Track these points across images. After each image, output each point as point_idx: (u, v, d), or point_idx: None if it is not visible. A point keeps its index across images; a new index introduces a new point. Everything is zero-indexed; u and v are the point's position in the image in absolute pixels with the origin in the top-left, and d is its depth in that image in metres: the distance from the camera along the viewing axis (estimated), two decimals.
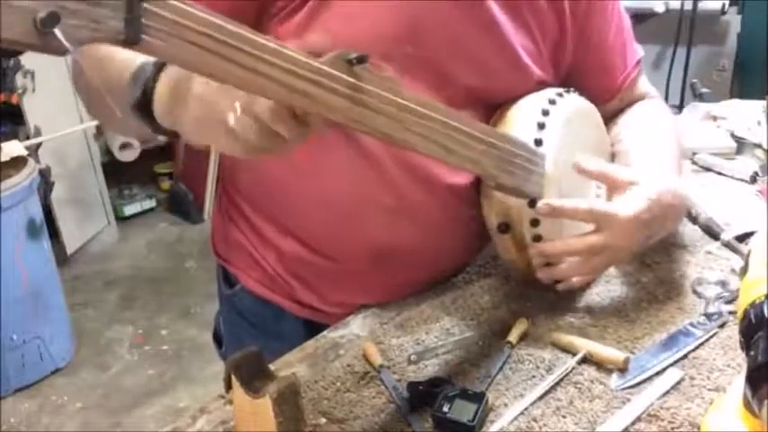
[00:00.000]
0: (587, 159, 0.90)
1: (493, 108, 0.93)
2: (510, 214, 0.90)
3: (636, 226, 0.86)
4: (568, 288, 0.91)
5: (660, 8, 2.75)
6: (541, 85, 0.95)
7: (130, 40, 0.50)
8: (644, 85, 1.09)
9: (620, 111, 1.07)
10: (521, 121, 0.90)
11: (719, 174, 1.33)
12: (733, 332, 0.83)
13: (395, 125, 0.69)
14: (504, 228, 0.91)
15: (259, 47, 0.58)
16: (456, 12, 0.86)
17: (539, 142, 0.88)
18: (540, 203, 0.86)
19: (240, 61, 0.57)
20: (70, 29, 0.46)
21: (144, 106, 0.70)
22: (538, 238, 0.89)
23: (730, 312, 0.88)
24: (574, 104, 0.94)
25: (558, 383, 0.79)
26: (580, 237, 0.88)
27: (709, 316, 0.88)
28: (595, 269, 0.92)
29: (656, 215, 0.88)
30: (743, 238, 1.04)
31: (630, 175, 0.90)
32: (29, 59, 2.89)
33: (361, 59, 0.65)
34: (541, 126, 0.89)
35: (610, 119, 1.05)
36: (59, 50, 0.46)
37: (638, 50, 1.07)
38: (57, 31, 0.45)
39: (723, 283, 0.94)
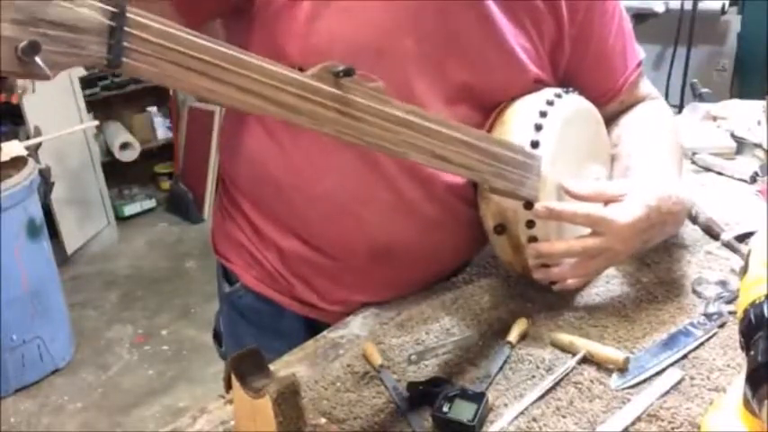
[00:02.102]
0: (576, 184, 0.90)
1: (489, 105, 0.93)
2: (506, 216, 0.90)
3: (633, 232, 0.86)
4: (564, 289, 0.92)
5: (660, 8, 2.75)
6: (539, 83, 0.95)
7: (113, 63, 0.51)
8: (645, 86, 1.09)
9: (622, 112, 1.06)
10: (518, 122, 0.90)
11: (719, 174, 1.33)
12: (733, 332, 0.83)
13: (385, 135, 0.70)
14: (501, 229, 0.91)
15: (243, 64, 0.59)
16: (455, 8, 0.86)
17: (535, 144, 0.88)
18: (537, 206, 0.86)
19: (225, 79, 0.58)
20: (52, 55, 0.48)
21: None
22: (533, 240, 0.89)
23: (730, 312, 0.88)
24: (572, 105, 0.94)
25: (558, 383, 0.79)
26: (578, 239, 0.88)
27: (709, 316, 0.88)
28: (591, 272, 0.92)
29: (654, 222, 0.87)
30: (743, 238, 1.04)
31: (621, 188, 0.89)
32: None
33: (348, 72, 0.65)
34: (538, 128, 0.89)
35: (611, 120, 1.05)
36: (41, 77, 0.47)
37: (639, 52, 1.06)
38: (38, 60, 0.46)
39: (723, 283, 0.94)
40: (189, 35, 0.56)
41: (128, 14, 0.52)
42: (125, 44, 0.52)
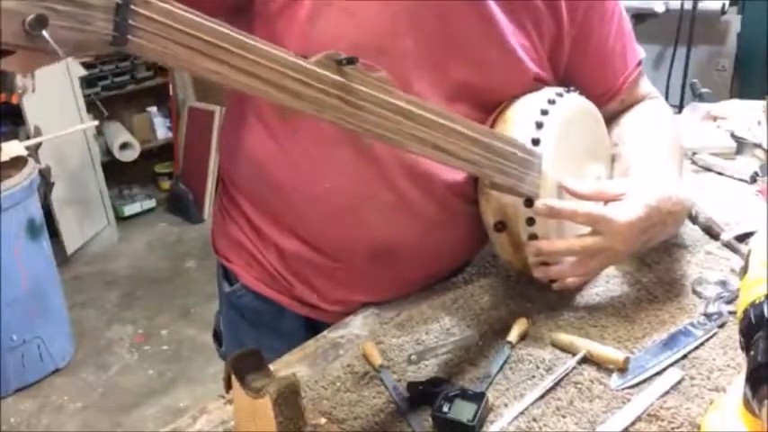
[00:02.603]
0: (576, 183, 0.90)
1: (490, 104, 0.93)
2: (506, 213, 0.90)
3: (633, 232, 0.86)
4: (563, 288, 0.92)
5: (660, 8, 2.75)
6: (539, 83, 0.95)
7: (118, 41, 0.52)
8: (645, 86, 1.09)
9: (622, 112, 1.06)
10: (519, 120, 0.90)
11: (719, 174, 1.33)
12: (733, 332, 0.83)
13: (386, 125, 0.70)
14: (501, 226, 0.91)
15: (248, 48, 0.59)
16: (454, 8, 0.86)
17: (536, 142, 0.88)
18: (538, 203, 0.86)
19: (229, 62, 0.58)
20: (59, 30, 0.48)
21: None
22: (533, 238, 0.89)
23: (730, 312, 0.88)
24: (573, 104, 0.94)
25: (558, 383, 0.79)
26: (577, 237, 0.88)
27: (709, 316, 0.88)
28: (591, 270, 0.92)
29: (654, 222, 0.87)
30: (743, 238, 1.04)
31: (621, 187, 0.89)
32: None
33: (351, 60, 0.66)
34: (539, 125, 0.89)
35: (611, 120, 1.05)
36: (48, 51, 0.48)
37: (639, 51, 1.06)
38: (45, 34, 0.47)
39: (723, 283, 0.94)
40: (194, 16, 0.56)
41: None
42: (131, 22, 0.52)
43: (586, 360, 0.82)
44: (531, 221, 0.88)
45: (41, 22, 0.46)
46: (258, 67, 0.60)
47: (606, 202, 0.88)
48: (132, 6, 0.51)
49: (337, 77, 0.65)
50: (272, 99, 0.62)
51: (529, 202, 0.87)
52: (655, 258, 1.02)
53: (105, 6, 0.50)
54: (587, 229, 0.88)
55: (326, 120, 0.66)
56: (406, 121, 0.71)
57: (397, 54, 0.85)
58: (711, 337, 0.85)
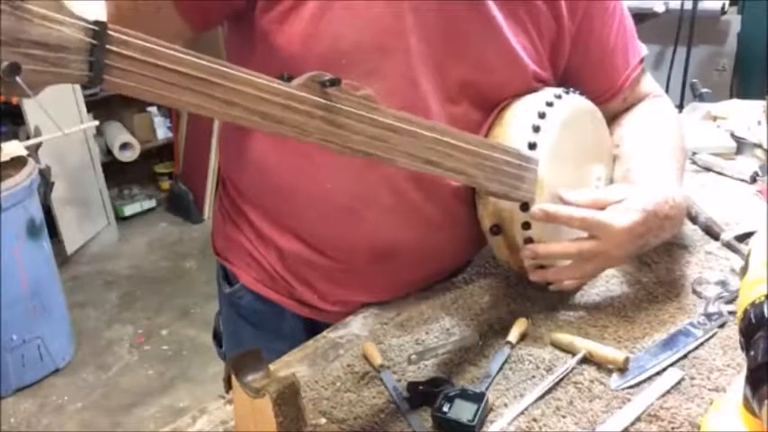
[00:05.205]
0: (573, 193, 0.89)
1: (490, 103, 0.93)
2: (502, 216, 0.90)
3: (630, 237, 0.86)
4: (559, 290, 0.92)
5: (660, 8, 2.76)
6: (539, 82, 0.95)
7: (93, 81, 0.52)
8: (648, 83, 1.08)
9: (624, 111, 1.06)
10: (516, 124, 0.90)
11: (719, 174, 1.33)
12: (733, 332, 0.83)
13: (374, 143, 0.70)
14: (497, 229, 0.91)
15: (226, 76, 0.59)
16: (455, 7, 0.86)
17: (533, 146, 0.88)
18: (534, 208, 0.86)
19: (208, 92, 0.58)
20: (33, 74, 0.48)
21: None
22: (529, 241, 0.89)
23: (730, 312, 0.88)
24: (572, 106, 0.93)
25: (558, 383, 0.79)
26: (573, 241, 0.88)
27: (709, 316, 0.88)
28: (587, 274, 0.92)
29: (651, 227, 0.87)
30: (743, 238, 1.04)
31: (619, 194, 0.89)
32: None
33: (335, 81, 0.65)
34: (536, 129, 0.89)
35: (613, 119, 1.05)
36: (23, 95, 0.48)
37: (641, 49, 1.06)
38: (18, 80, 0.47)
39: (723, 283, 0.94)
40: (171, 50, 0.56)
41: (109, 32, 0.52)
42: (106, 61, 0.52)
43: (586, 360, 0.82)
44: (526, 225, 0.88)
45: (14, 69, 0.47)
46: (239, 95, 0.60)
47: (604, 207, 0.88)
48: (107, 46, 0.52)
49: (321, 99, 0.65)
50: (256, 126, 0.62)
51: (525, 207, 0.87)
52: (655, 258, 1.02)
53: (79, 48, 0.50)
54: (583, 233, 0.87)
55: (312, 143, 0.66)
56: (394, 137, 0.71)
57: (400, 53, 0.85)
58: (711, 337, 0.85)
